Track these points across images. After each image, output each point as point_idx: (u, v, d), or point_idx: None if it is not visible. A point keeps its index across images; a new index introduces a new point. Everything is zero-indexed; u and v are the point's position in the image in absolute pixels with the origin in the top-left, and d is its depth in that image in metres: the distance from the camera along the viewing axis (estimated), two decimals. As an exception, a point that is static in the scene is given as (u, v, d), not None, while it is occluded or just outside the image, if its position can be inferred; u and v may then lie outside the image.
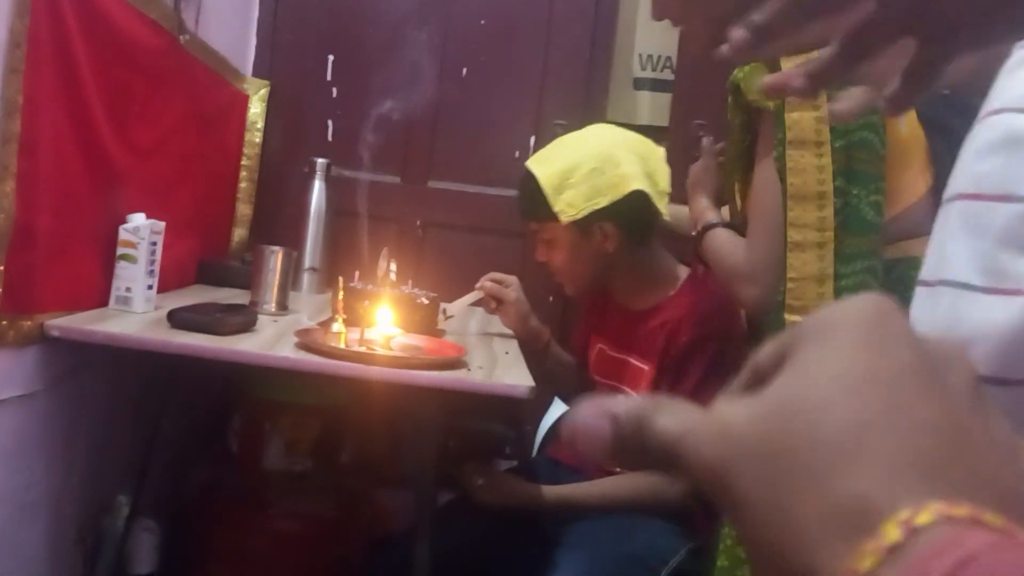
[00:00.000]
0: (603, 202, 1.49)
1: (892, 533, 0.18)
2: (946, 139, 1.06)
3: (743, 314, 1.47)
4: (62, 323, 1.26)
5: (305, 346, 1.30)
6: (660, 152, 1.57)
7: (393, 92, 2.01)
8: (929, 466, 0.19)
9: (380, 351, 1.35)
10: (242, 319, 1.40)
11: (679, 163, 1.58)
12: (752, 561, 0.21)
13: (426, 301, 1.61)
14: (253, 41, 2.36)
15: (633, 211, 1.49)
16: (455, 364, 1.33)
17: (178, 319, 1.31)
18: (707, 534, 1.32)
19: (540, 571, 1.39)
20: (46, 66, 1.19)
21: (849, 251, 1.07)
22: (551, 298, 2.28)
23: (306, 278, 2.07)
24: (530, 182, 1.55)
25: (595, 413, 0.24)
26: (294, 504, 1.84)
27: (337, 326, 1.40)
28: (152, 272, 1.44)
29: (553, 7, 2.36)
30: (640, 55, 2.35)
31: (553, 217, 1.52)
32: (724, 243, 1.26)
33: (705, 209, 1.34)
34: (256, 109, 2.27)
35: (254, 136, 2.27)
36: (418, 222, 2.38)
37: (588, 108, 2.31)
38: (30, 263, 1.22)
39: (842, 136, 1.07)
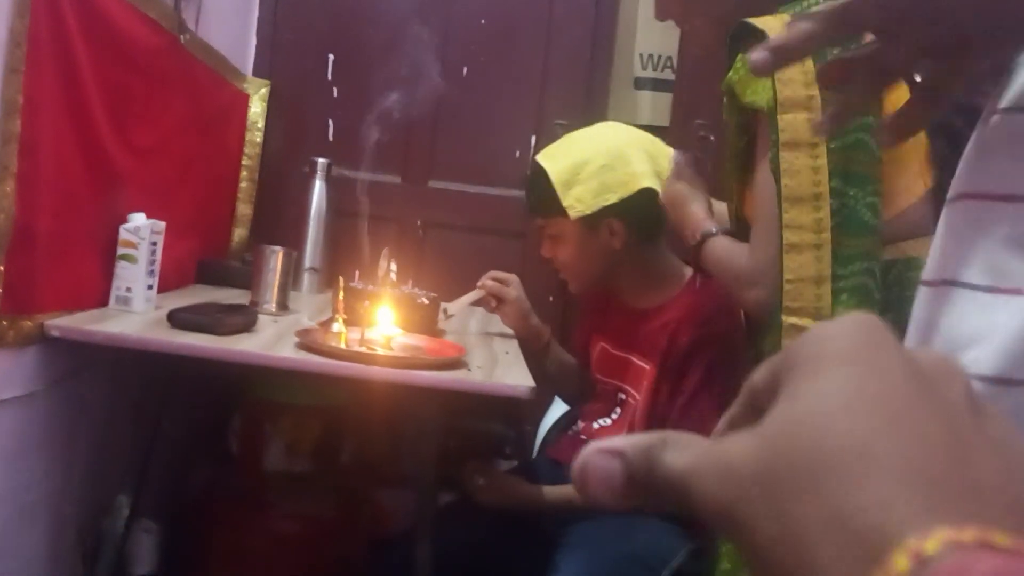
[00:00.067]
0: (612, 199, 1.48)
1: (901, 563, 0.18)
2: (948, 139, 1.06)
3: (742, 316, 1.47)
4: (62, 323, 1.26)
5: (305, 346, 1.30)
6: (669, 152, 1.57)
7: (394, 92, 2.00)
8: (933, 484, 0.19)
9: (380, 351, 1.35)
10: (242, 319, 1.39)
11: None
12: None
13: (426, 301, 1.61)
14: (253, 41, 2.36)
15: (641, 209, 1.49)
16: (455, 364, 1.33)
17: (178, 319, 1.31)
18: (709, 535, 1.32)
19: (540, 571, 1.38)
20: (46, 66, 1.19)
21: (847, 252, 1.07)
22: (551, 298, 2.28)
23: (306, 278, 2.07)
24: (539, 176, 1.54)
25: (602, 453, 0.24)
26: (294, 505, 1.84)
27: (337, 326, 1.40)
28: (152, 272, 1.44)
29: (554, 7, 2.36)
30: (641, 55, 2.35)
31: (561, 212, 1.52)
32: (726, 249, 1.26)
33: (701, 219, 1.33)
34: (256, 109, 2.27)
35: (254, 136, 2.27)
36: (419, 222, 2.38)
37: (589, 108, 2.31)
38: (30, 263, 1.21)
39: (838, 137, 1.06)
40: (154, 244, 1.44)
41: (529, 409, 1.90)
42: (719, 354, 1.44)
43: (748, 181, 1.25)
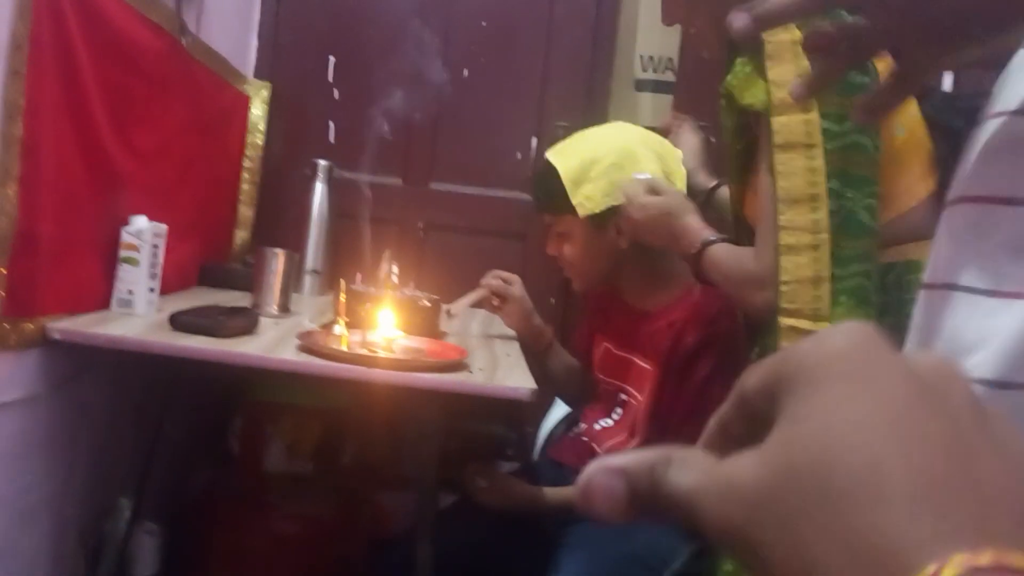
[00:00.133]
0: (621, 198, 1.49)
1: None
2: (950, 142, 1.06)
3: (741, 318, 1.47)
4: (64, 326, 1.26)
5: (307, 348, 1.30)
6: (678, 154, 1.58)
7: (394, 93, 2.01)
8: (947, 502, 0.19)
9: (382, 353, 1.35)
10: (244, 322, 1.40)
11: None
12: None
13: (428, 303, 1.61)
14: (254, 43, 2.36)
15: None
16: (456, 366, 1.33)
17: (180, 322, 1.31)
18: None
19: (541, 572, 1.38)
20: (48, 69, 1.20)
21: (845, 254, 1.07)
22: (552, 300, 2.29)
23: (308, 280, 2.07)
24: (549, 173, 1.55)
25: (606, 471, 0.24)
26: (295, 506, 1.84)
27: (339, 328, 1.40)
28: (154, 275, 1.45)
29: (554, 8, 2.37)
30: (641, 56, 2.35)
31: (570, 210, 1.52)
32: (729, 255, 1.26)
33: (699, 228, 1.33)
34: (258, 111, 2.27)
35: (256, 138, 2.28)
36: (420, 224, 2.38)
37: (589, 109, 2.31)
38: (32, 266, 1.22)
39: (835, 139, 1.07)
40: (156, 247, 1.45)
41: (530, 411, 1.90)
42: (722, 356, 1.44)
43: (748, 183, 1.25)
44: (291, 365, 1.27)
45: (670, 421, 1.46)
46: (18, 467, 1.28)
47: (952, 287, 0.46)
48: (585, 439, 1.62)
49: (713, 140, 1.70)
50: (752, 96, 1.12)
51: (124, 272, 1.42)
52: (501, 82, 2.38)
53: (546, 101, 2.37)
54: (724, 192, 1.46)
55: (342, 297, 1.48)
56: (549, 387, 1.73)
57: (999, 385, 0.42)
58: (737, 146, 1.23)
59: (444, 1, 2.35)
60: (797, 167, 1.07)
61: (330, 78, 2.38)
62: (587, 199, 1.50)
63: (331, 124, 2.37)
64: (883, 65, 1.12)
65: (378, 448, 2.04)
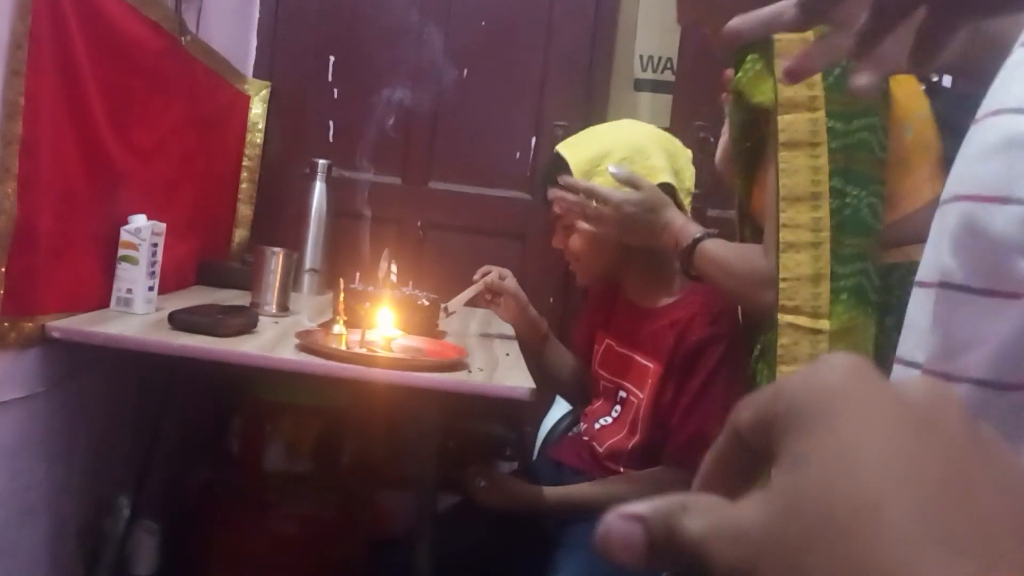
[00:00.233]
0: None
1: None
2: (960, 143, 1.06)
3: (739, 316, 1.47)
4: (63, 324, 1.26)
5: (306, 348, 1.30)
6: (688, 153, 1.58)
7: (394, 93, 2.01)
8: (948, 529, 0.19)
9: (381, 353, 1.35)
10: (243, 320, 1.40)
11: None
12: None
13: (427, 303, 1.61)
14: (254, 42, 2.36)
15: None
16: (456, 366, 1.33)
17: (179, 320, 1.31)
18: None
19: (541, 572, 1.39)
20: (47, 68, 1.20)
21: (846, 252, 1.07)
22: (551, 300, 2.29)
23: (307, 279, 2.07)
24: (559, 166, 1.55)
25: (624, 518, 0.24)
26: (294, 505, 1.84)
27: (338, 328, 1.40)
28: (153, 273, 1.45)
29: (553, 8, 2.37)
30: (640, 56, 2.35)
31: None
32: (729, 251, 1.25)
33: (683, 223, 1.33)
34: (257, 110, 2.27)
35: (255, 137, 2.28)
36: (419, 223, 2.38)
37: (589, 109, 2.31)
38: (31, 265, 1.22)
39: (841, 137, 1.07)
40: (155, 245, 1.45)
41: (530, 410, 1.90)
42: (724, 355, 1.45)
43: (755, 180, 1.25)
44: (290, 364, 1.27)
45: (670, 420, 1.46)
46: (17, 465, 1.28)
47: (946, 286, 0.46)
48: (585, 439, 1.62)
49: (712, 140, 1.70)
50: (762, 94, 1.12)
51: (123, 271, 1.42)
52: (500, 81, 2.37)
53: (545, 101, 2.37)
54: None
55: (341, 296, 1.48)
56: (546, 380, 1.73)
57: (992, 386, 0.42)
58: (745, 143, 1.23)
59: (443, 1, 2.35)
60: (800, 165, 1.07)
61: (329, 77, 2.38)
62: None
63: (330, 123, 2.37)
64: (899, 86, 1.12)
65: (377, 447, 2.04)
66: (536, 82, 2.37)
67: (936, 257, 0.47)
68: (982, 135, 0.46)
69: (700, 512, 0.23)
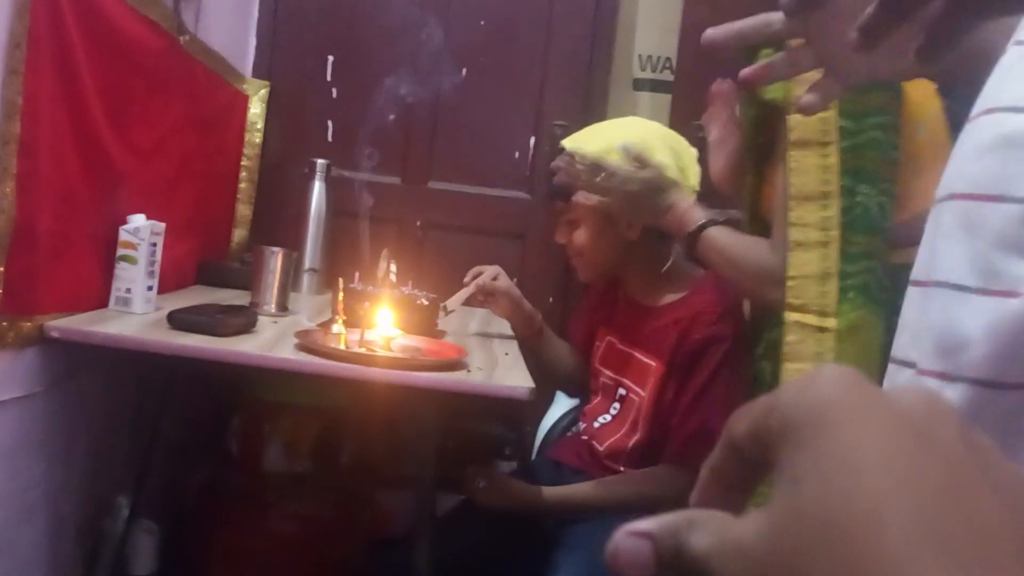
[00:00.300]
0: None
1: None
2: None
3: (744, 313, 1.47)
4: (62, 324, 1.26)
5: (305, 347, 1.30)
6: (693, 152, 1.58)
7: (393, 93, 2.01)
8: (946, 538, 0.19)
9: (380, 352, 1.35)
10: (242, 320, 1.39)
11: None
12: None
13: (426, 302, 1.61)
14: (253, 42, 2.36)
15: None
16: (455, 366, 1.33)
17: (178, 320, 1.31)
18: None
19: (541, 572, 1.38)
20: (46, 67, 1.19)
21: (855, 250, 1.07)
22: (551, 299, 2.29)
23: (306, 279, 2.07)
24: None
25: (632, 535, 0.24)
26: (294, 505, 1.84)
27: (337, 327, 1.40)
28: (152, 273, 1.44)
29: (553, 8, 2.36)
30: (640, 56, 2.35)
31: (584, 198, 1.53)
32: (737, 243, 1.25)
33: (689, 207, 1.32)
34: (256, 110, 2.27)
35: (254, 137, 2.27)
36: (418, 223, 2.38)
37: (588, 109, 2.31)
38: (30, 264, 1.21)
39: (852, 136, 1.06)
40: (154, 245, 1.45)
41: (529, 410, 1.90)
42: (727, 354, 1.44)
43: (766, 176, 1.25)
44: (289, 364, 1.26)
45: (672, 418, 1.46)
46: (16, 465, 1.28)
47: (942, 284, 0.45)
48: (585, 438, 1.62)
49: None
50: (774, 90, 1.12)
51: (122, 270, 1.42)
52: (500, 81, 2.37)
53: (544, 100, 2.37)
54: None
55: (340, 296, 1.48)
56: (545, 374, 1.73)
57: (989, 385, 0.42)
58: (757, 139, 1.23)
59: (443, 0, 2.35)
60: (810, 164, 1.07)
61: (328, 77, 2.38)
62: None
63: (329, 123, 2.37)
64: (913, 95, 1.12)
65: (376, 447, 2.03)
66: (536, 82, 2.37)
67: (931, 256, 0.47)
68: (977, 133, 0.46)
69: (706, 528, 0.24)
